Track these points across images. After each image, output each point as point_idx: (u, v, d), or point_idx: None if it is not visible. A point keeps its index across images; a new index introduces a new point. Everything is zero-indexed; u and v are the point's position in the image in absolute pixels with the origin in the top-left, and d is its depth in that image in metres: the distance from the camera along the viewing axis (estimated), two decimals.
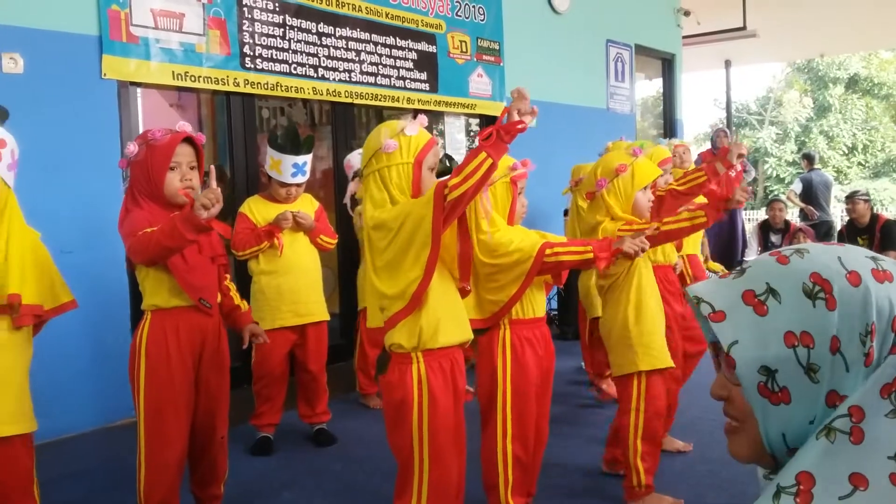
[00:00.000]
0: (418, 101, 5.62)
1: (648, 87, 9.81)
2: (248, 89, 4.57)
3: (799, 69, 25.51)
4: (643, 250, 2.62)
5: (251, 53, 4.56)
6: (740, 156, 3.33)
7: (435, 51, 5.77)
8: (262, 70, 4.62)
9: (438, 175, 2.28)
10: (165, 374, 2.45)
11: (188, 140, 2.49)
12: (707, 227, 2.94)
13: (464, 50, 6.03)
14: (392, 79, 5.44)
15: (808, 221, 8.92)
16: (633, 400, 2.84)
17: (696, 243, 4.33)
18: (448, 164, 3.34)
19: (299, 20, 4.83)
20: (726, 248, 8.21)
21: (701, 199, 4.19)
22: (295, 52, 4.80)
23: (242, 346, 2.79)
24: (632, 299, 2.84)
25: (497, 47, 6.34)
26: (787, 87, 25.91)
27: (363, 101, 5.27)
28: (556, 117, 6.76)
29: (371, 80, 5.28)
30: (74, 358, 3.79)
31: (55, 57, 3.79)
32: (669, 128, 8.88)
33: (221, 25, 4.42)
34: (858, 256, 0.83)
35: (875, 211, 7.64)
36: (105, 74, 3.96)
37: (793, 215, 10.41)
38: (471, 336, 2.32)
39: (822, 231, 8.75)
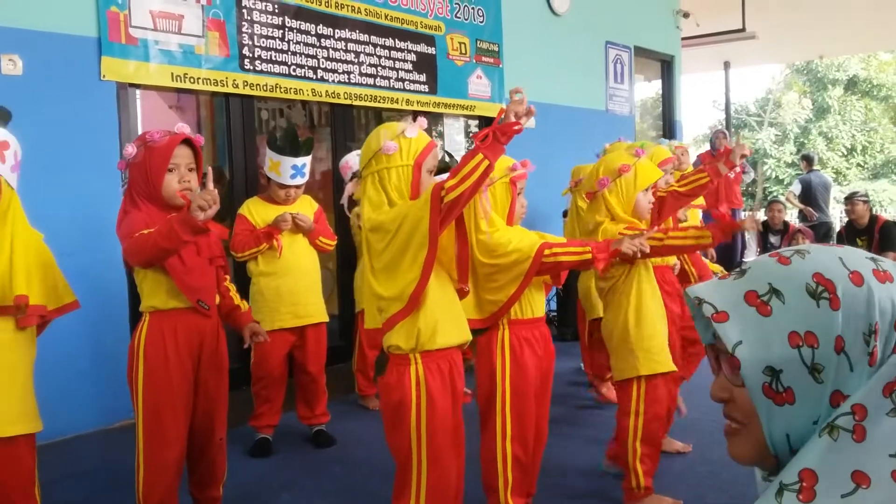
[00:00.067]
0: (417, 103, 5.62)
1: (648, 89, 9.83)
2: (248, 91, 4.57)
3: (798, 71, 25.53)
4: (642, 251, 2.61)
5: (250, 55, 4.56)
6: (743, 156, 3.32)
7: (434, 52, 5.77)
8: (262, 72, 4.62)
9: (438, 172, 2.28)
10: (163, 375, 2.45)
11: (187, 142, 2.49)
12: (711, 248, 2.92)
13: (463, 51, 6.03)
14: (391, 80, 5.44)
15: (807, 222, 8.92)
16: (634, 402, 2.83)
17: None
18: (448, 159, 3.32)
19: (298, 22, 4.84)
20: (725, 250, 8.21)
21: (700, 201, 4.20)
22: (294, 53, 4.80)
23: (243, 345, 2.79)
24: (632, 303, 2.83)
25: (496, 49, 6.35)
26: (786, 88, 25.93)
27: (362, 103, 5.27)
28: (556, 119, 6.76)
29: (370, 81, 5.28)
30: (74, 359, 3.79)
31: (54, 58, 3.79)
32: (668, 129, 8.89)
33: (220, 27, 4.42)
34: (859, 257, 0.84)
35: (874, 212, 7.65)
36: (104, 76, 3.96)
37: (792, 216, 10.41)
38: (469, 337, 2.32)
39: (821, 232, 8.76)
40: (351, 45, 5.15)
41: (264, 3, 4.65)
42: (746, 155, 3.36)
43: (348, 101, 5.17)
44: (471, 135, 6.91)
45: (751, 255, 8.22)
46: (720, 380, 0.89)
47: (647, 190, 2.90)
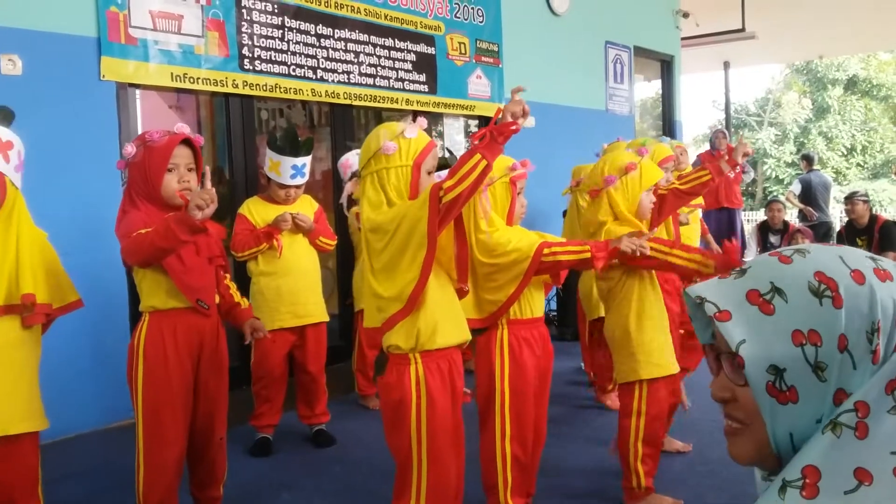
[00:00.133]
0: (417, 103, 5.62)
1: (647, 89, 9.83)
2: (247, 91, 4.57)
3: (798, 70, 25.54)
4: (642, 251, 2.60)
5: (250, 55, 4.56)
6: (745, 154, 3.32)
7: (434, 52, 5.77)
8: (261, 72, 4.62)
9: (438, 169, 2.28)
10: (163, 375, 2.45)
11: (186, 142, 2.49)
12: (712, 276, 2.90)
13: (463, 51, 6.03)
14: (391, 80, 5.44)
15: (807, 222, 8.92)
16: (635, 403, 2.83)
17: (693, 238, 4.32)
18: (448, 155, 3.32)
19: (298, 22, 4.84)
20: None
21: (699, 201, 4.20)
22: (294, 53, 4.80)
23: (244, 342, 2.79)
24: (634, 307, 2.81)
25: (496, 49, 6.35)
26: (785, 88, 25.94)
27: (362, 103, 5.27)
28: (555, 119, 6.76)
29: (370, 81, 5.28)
30: (74, 359, 3.79)
31: (54, 58, 3.79)
32: (668, 129, 8.88)
33: (220, 27, 4.42)
34: (859, 256, 0.84)
35: (874, 212, 7.65)
36: (104, 76, 3.96)
37: (791, 216, 10.41)
38: (468, 337, 2.32)
39: (820, 232, 8.76)
40: (350, 45, 5.15)
41: (264, 3, 4.65)
42: (748, 153, 3.35)
43: (348, 101, 5.17)
44: (471, 134, 6.91)
45: (751, 255, 8.21)
46: (721, 379, 0.88)
47: (648, 190, 2.89)
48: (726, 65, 12.96)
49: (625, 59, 8.00)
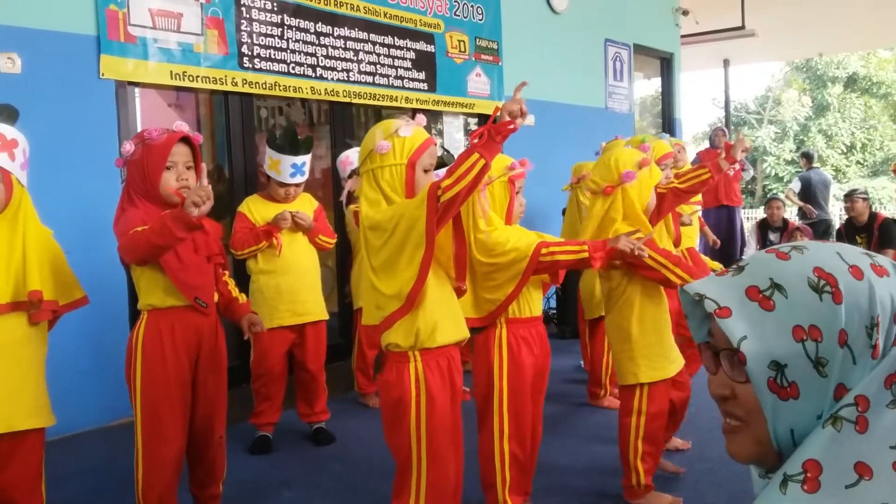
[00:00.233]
0: (416, 101, 5.62)
1: (647, 87, 9.82)
2: (247, 89, 4.57)
3: (797, 68, 25.53)
4: (640, 252, 2.58)
5: (249, 53, 4.56)
6: (744, 150, 3.31)
7: (433, 50, 5.77)
8: (261, 70, 4.62)
9: (436, 167, 2.28)
10: (161, 373, 2.45)
11: (185, 140, 2.49)
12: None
13: (462, 49, 6.03)
14: (390, 78, 5.44)
15: (806, 220, 8.93)
16: (635, 402, 2.83)
17: (693, 237, 4.33)
18: (445, 154, 3.32)
19: (297, 20, 4.83)
20: (725, 247, 8.21)
21: (698, 199, 4.20)
22: (293, 51, 4.80)
23: (243, 337, 2.78)
24: (635, 309, 2.79)
25: (495, 47, 6.34)
26: (785, 86, 25.93)
27: (361, 101, 5.27)
28: (555, 117, 6.76)
29: (369, 79, 5.28)
30: (74, 357, 3.79)
31: (53, 57, 3.79)
32: (668, 127, 8.88)
33: (219, 25, 4.42)
34: (855, 252, 0.84)
35: (873, 209, 7.64)
36: (103, 74, 3.96)
37: (791, 214, 10.42)
38: (467, 335, 2.32)
39: (820, 229, 8.76)
40: (350, 43, 5.14)
41: (263, 1, 4.64)
42: (748, 150, 3.35)
43: (347, 99, 5.16)
44: (471, 132, 6.91)
45: (750, 253, 8.21)
46: (720, 377, 0.88)
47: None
48: (726, 62, 12.96)
49: (624, 57, 7.99)
